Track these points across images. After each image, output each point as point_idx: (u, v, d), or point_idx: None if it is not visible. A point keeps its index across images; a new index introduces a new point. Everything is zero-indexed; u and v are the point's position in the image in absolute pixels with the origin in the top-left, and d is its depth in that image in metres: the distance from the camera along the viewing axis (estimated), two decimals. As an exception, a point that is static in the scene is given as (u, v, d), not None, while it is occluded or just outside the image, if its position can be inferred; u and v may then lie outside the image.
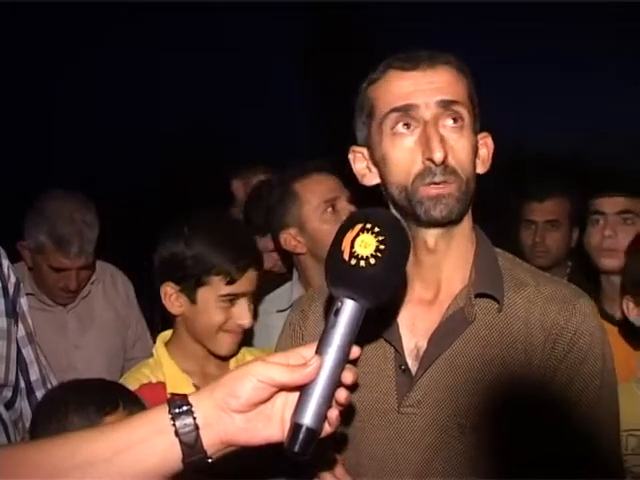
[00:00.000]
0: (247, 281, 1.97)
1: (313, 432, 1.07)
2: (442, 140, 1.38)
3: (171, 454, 1.08)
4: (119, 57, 9.05)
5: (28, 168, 7.92)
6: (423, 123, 1.39)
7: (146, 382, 1.96)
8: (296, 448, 1.06)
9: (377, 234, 1.12)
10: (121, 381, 2.00)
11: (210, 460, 1.10)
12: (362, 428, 1.47)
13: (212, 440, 1.09)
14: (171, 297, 2.00)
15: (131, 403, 1.70)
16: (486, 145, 1.52)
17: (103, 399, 1.67)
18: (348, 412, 1.30)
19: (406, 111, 1.40)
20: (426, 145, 1.37)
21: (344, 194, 2.49)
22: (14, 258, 2.77)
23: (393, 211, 1.45)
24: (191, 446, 1.08)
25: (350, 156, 1.54)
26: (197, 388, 1.89)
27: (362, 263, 1.11)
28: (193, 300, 1.97)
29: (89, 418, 1.64)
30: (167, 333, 2.09)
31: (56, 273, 2.74)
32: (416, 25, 7.97)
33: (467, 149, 1.42)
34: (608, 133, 8.02)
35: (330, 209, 2.46)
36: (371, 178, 1.50)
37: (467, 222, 1.49)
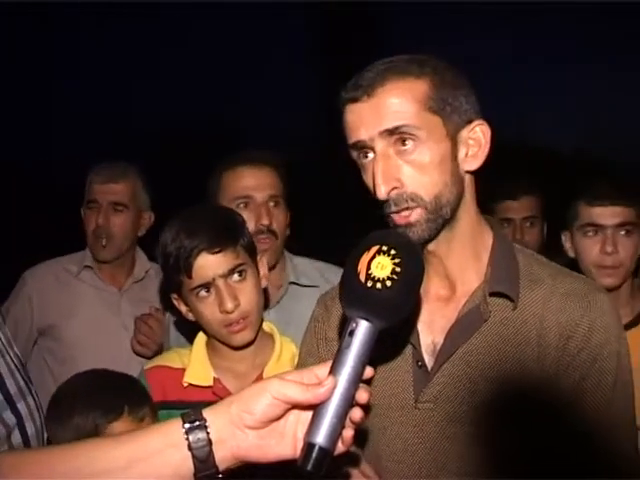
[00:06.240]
0: (208, 264, 1.84)
1: (326, 451, 1.08)
2: (392, 170, 1.37)
3: (183, 467, 1.09)
4: (122, 54, 8.99)
5: (27, 166, 7.89)
6: (374, 155, 1.40)
7: (164, 364, 1.96)
8: (309, 467, 1.08)
9: (393, 256, 1.13)
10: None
11: (221, 475, 1.11)
12: (380, 422, 1.50)
13: (224, 455, 1.10)
14: (180, 307, 1.98)
15: (137, 406, 1.72)
16: (482, 133, 1.43)
17: (109, 404, 1.68)
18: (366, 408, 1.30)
19: (359, 147, 1.42)
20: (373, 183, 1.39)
21: None
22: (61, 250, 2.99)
23: None
24: (203, 461, 1.09)
25: None
26: (216, 380, 1.90)
27: (378, 285, 1.11)
28: (187, 304, 1.94)
29: (94, 422, 1.65)
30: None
31: (91, 216, 2.89)
32: (419, 21, 7.95)
33: (427, 166, 1.38)
34: (602, 130, 8.04)
35: None
36: None
37: (466, 221, 1.47)
